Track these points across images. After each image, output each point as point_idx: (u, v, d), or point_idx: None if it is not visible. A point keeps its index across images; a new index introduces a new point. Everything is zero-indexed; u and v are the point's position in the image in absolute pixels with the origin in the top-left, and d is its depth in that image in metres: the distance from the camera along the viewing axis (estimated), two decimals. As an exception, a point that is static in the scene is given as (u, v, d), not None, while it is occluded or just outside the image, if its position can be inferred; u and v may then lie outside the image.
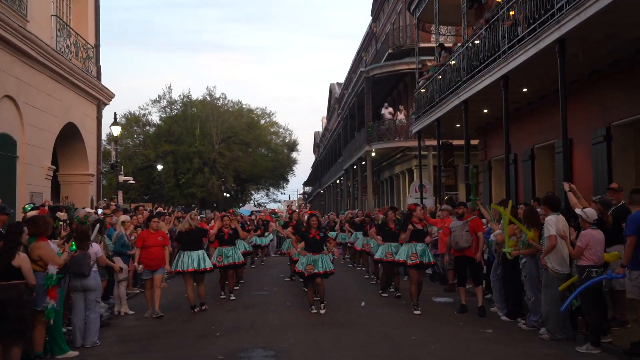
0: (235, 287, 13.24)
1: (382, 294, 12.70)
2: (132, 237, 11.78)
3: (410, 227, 10.89)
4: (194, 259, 11.14)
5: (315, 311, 10.79)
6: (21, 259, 6.81)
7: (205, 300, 11.62)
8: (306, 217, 12.08)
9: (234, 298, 12.55)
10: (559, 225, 8.38)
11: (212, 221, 18.28)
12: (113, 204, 16.55)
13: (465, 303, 10.78)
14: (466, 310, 10.58)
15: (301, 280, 12.77)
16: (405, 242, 10.98)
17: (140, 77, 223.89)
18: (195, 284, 11.41)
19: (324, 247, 11.23)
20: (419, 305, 10.74)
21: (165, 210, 20.86)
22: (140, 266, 10.80)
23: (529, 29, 11.52)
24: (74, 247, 8.27)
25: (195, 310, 11.15)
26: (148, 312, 10.75)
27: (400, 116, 29.69)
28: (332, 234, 16.34)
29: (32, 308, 7.15)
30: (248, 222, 18.94)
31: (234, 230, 12.96)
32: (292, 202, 60.99)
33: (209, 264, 11.48)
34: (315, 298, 11.20)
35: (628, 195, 8.13)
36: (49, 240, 7.78)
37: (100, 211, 13.03)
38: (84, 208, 13.58)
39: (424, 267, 10.99)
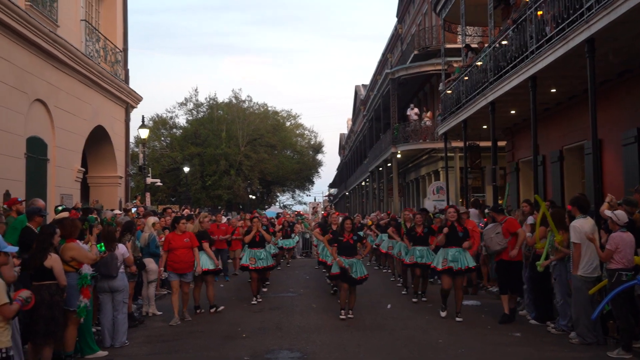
0: (263, 289, 13.18)
1: (413, 299, 12.29)
2: (161, 239, 11.88)
3: (445, 230, 10.43)
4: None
5: (345, 317, 10.41)
6: (53, 260, 6.92)
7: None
8: (340, 219, 11.73)
9: (255, 302, 12.24)
10: (585, 229, 8.24)
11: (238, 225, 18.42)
12: (137, 201, 16.75)
13: (509, 312, 10.03)
14: (510, 320, 9.93)
15: (329, 283, 12.71)
16: (441, 244, 10.54)
17: (166, 80, 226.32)
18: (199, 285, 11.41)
19: (358, 251, 10.93)
20: (446, 306, 10.52)
21: (193, 212, 21.01)
22: (165, 273, 10.67)
23: (558, 29, 11.39)
24: (102, 248, 8.38)
25: (198, 311, 11.20)
26: (174, 320, 10.33)
27: (426, 119, 29.56)
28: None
29: (65, 308, 7.27)
30: (273, 224, 18.83)
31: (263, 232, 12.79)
32: (318, 204, 60.92)
33: (207, 265, 11.14)
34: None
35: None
36: (77, 241, 7.90)
37: (134, 210, 13.24)
38: (112, 210, 13.77)
39: (456, 273, 10.31)
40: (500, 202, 11.90)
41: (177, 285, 10.55)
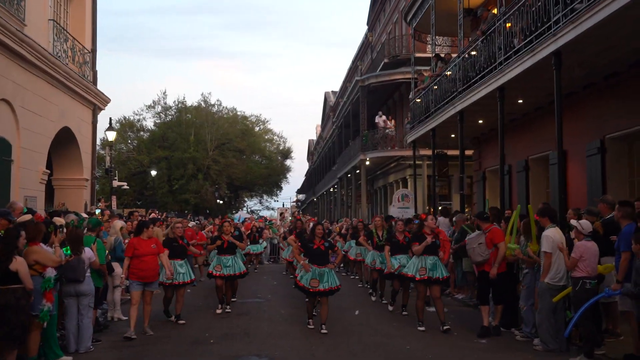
0: (232, 299, 12.67)
1: (419, 328, 10.48)
2: (126, 242, 11.70)
3: (429, 239, 10.05)
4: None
5: (313, 327, 10.11)
6: (18, 263, 6.79)
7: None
8: (310, 225, 11.23)
9: (229, 310, 11.84)
10: (556, 239, 8.40)
11: (205, 229, 18.24)
12: (102, 204, 16.52)
13: (488, 325, 9.59)
14: (489, 334, 9.43)
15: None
16: (417, 254, 10.16)
17: (134, 82, 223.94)
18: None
19: (329, 260, 10.28)
20: (424, 322, 10.11)
21: (160, 216, 20.82)
22: (127, 280, 9.84)
23: (525, 41, 11.62)
24: (68, 251, 8.25)
25: (171, 318, 10.90)
26: (128, 332, 9.38)
27: (390, 125, 29.80)
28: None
29: (29, 312, 7.13)
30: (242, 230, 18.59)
31: (235, 237, 12.16)
32: (286, 210, 60.83)
33: (182, 278, 10.87)
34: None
35: (617, 208, 8.16)
36: (41, 244, 7.76)
37: (98, 211, 12.99)
38: (74, 212, 13.53)
39: (433, 282, 10.02)
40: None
41: (138, 297, 9.69)
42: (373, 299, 13.38)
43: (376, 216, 14.36)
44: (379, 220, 13.65)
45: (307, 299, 10.49)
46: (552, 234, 8.48)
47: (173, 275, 10.52)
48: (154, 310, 10.46)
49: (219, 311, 11.72)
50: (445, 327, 9.75)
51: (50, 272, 7.54)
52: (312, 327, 10.22)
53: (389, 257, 11.62)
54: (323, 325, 9.86)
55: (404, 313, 11.45)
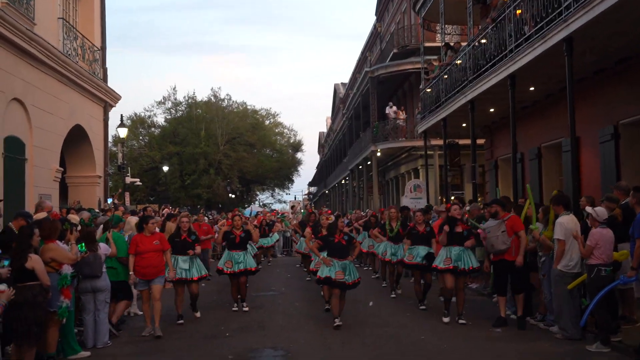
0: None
1: (420, 307, 11.16)
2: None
3: (446, 228, 9.82)
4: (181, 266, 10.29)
5: (340, 323, 9.61)
6: (34, 261, 6.85)
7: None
8: (331, 218, 10.78)
9: (247, 309, 11.31)
10: (570, 226, 8.36)
11: (219, 223, 18.22)
12: (115, 199, 16.61)
13: (505, 316, 9.46)
14: (505, 324, 9.32)
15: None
16: (443, 245, 9.91)
17: (143, 79, 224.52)
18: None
19: (349, 253, 10.05)
20: (449, 312, 9.83)
21: (173, 212, 20.85)
22: (137, 278, 9.42)
23: (536, 28, 11.53)
24: (83, 248, 8.31)
25: (180, 322, 10.21)
26: (146, 330, 9.34)
27: (401, 116, 29.72)
28: None
29: (47, 309, 7.19)
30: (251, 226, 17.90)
31: (246, 232, 11.54)
32: (298, 203, 60.91)
33: (186, 274, 10.30)
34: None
35: (631, 194, 8.11)
36: (57, 242, 7.83)
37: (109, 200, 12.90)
38: (88, 210, 13.62)
39: (459, 273, 9.75)
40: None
41: (146, 295, 9.52)
42: (384, 284, 13.66)
43: (391, 207, 13.87)
44: (394, 211, 13.30)
45: (331, 298, 9.93)
46: (566, 222, 8.44)
47: (176, 273, 10.11)
48: (167, 306, 10.31)
49: (234, 309, 11.38)
50: (460, 321, 9.60)
51: (67, 269, 7.62)
52: (329, 307, 10.37)
53: (406, 247, 11.46)
54: (336, 319, 9.59)
55: (421, 307, 11.10)
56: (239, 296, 11.42)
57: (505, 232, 9.30)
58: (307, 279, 14.46)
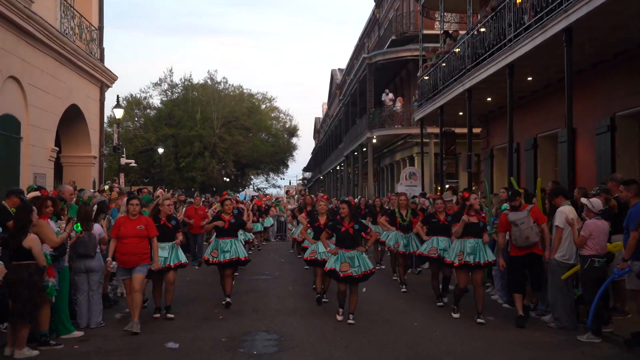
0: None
1: (438, 303, 10.30)
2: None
3: (465, 218, 9.02)
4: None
5: (328, 300, 9.77)
6: (31, 240, 6.84)
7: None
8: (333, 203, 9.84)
9: (229, 301, 10.20)
10: (570, 216, 8.41)
11: (213, 206, 17.99)
12: (116, 185, 16.54)
13: (524, 314, 8.80)
14: (527, 321, 8.73)
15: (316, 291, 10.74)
16: (457, 237, 9.16)
17: (140, 60, 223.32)
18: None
19: (359, 243, 9.20)
20: (482, 313, 8.99)
21: (184, 197, 20.68)
22: (114, 263, 8.52)
23: (536, 18, 11.52)
24: (79, 228, 8.30)
25: (156, 315, 9.34)
26: (129, 325, 8.40)
27: (397, 105, 29.69)
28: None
29: (42, 288, 7.19)
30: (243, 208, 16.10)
31: (236, 217, 10.48)
32: (292, 188, 60.93)
33: (163, 262, 9.15)
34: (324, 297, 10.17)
35: (623, 188, 8.12)
36: (49, 220, 7.79)
37: (106, 187, 12.73)
38: (92, 190, 13.62)
39: (474, 267, 8.98)
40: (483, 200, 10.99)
41: (128, 284, 8.59)
42: (402, 286, 11.91)
43: (401, 194, 12.87)
44: (404, 198, 12.28)
45: (337, 290, 9.22)
46: (567, 211, 8.48)
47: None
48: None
49: (227, 300, 10.20)
50: (479, 320, 8.85)
51: (46, 249, 7.39)
52: (327, 300, 10.30)
53: (423, 234, 10.69)
54: (351, 315, 8.89)
55: (439, 304, 10.26)
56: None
57: (536, 224, 8.73)
58: (306, 267, 13.47)
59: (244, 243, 12.22)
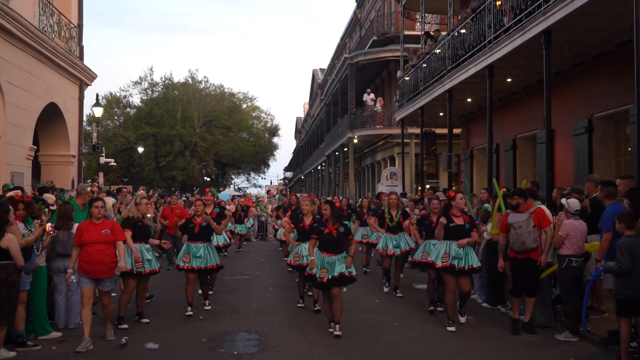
0: (210, 292, 10.55)
1: (430, 307, 9.68)
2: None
3: (443, 220, 8.55)
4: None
5: (303, 305, 9.67)
6: (9, 240, 6.74)
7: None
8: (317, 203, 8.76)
9: (209, 308, 9.82)
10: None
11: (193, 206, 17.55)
12: (96, 184, 16.40)
13: (519, 319, 8.38)
14: (523, 328, 8.30)
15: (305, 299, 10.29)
16: (439, 239, 8.70)
17: (120, 58, 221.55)
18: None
19: (343, 248, 8.32)
20: (454, 321, 8.54)
21: (186, 198, 20.36)
22: (73, 277, 7.63)
23: (515, 19, 11.62)
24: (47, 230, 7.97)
25: (123, 325, 8.61)
26: (83, 344, 7.44)
27: (378, 105, 29.80)
28: None
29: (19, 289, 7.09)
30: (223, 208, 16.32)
31: (208, 221, 9.64)
32: (273, 187, 60.87)
33: (150, 266, 8.85)
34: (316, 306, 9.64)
35: (599, 188, 8.23)
36: (19, 222, 7.66)
37: (88, 189, 12.49)
38: (60, 189, 13.44)
39: (458, 272, 8.52)
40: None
41: (90, 294, 7.74)
42: (386, 289, 11.66)
43: (391, 193, 12.09)
44: (394, 198, 11.50)
45: (297, 279, 9.47)
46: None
47: (141, 261, 8.66)
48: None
49: (188, 312, 9.36)
50: (449, 328, 8.39)
51: None
52: (302, 305, 10.11)
53: (418, 237, 10.26)
54: (337, 326, 8.12)
55: (439, 309, 9.60)
56: (200, 293, 10.04)
57: (535, 228, 8.20)
58: (289, 270, 12.40)
59: (222, 244, 12.08)
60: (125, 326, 8.56)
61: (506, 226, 8.44)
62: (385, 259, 11.44)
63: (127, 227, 8.59)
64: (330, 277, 8.03)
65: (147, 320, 8.96)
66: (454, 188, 16.88)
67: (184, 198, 22.83)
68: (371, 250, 14.39)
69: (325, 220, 8.33)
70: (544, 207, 8.75)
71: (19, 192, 8.34)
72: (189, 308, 9.38)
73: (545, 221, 8.36)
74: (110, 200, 11.08)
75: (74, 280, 7.66)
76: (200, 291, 10.28)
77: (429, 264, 8.98)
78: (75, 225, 8.74)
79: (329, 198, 14.45)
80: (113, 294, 8.62)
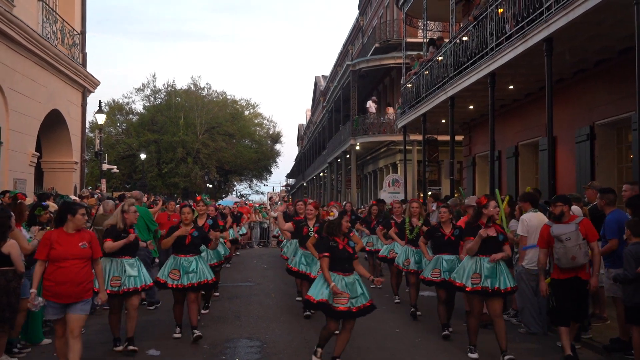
0: (203, 311, 9.69)
1: (444, 332, 8.42)
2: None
3: (488, 232, 7.10)
4: (114, 271, 7.52)
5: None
6: (10, 246, 6.72)
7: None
8: (332, 213, 7.34)
9: (199, 334, 8.15)
10: (533, 223, 8.40)
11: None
12: (98, 191, 16.43)
13: (572, 354, 6.87)
14: None
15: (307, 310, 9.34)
16: (471, 254, 7.25)
17: (123, 65, 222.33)
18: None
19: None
20: (507, 351, 7.08)
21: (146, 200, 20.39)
22: (40, 299, 6.03)
23: (517, 27, 11.65)
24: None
25: (118, 347, 7.72)
26: None
27: (390, 111, 29.82)
28: None
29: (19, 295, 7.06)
30: (224, 216, 15.04)
31: (199, 230, 8.46)
32: (276, 194, 60.85)
33: (133, 283, 7.53)
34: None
35: (599, 196, 8.20)
36: (21, 228, 7.69)
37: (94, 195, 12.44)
38: (62, 196, 13.45)
39: (492, 294, 7.11)
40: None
41: (61, 328, 6.23)
42: (397, 300, 11.03)
43: (413, 200, 10.88)
44: (416, 206, 10.18)
45: (308, 312, 8.71)
46: (528, 218, 8.51)
47: (120, 283, 7.43)
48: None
49: (176, 335, 8.40)
50: (506, 357, 6.99)
51: None
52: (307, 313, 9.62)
53: (427, 252, 9.01)
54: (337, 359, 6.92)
55: (449, 329, 8.52)
56: (191, 316, 8.23)
57: (585, 241, 6.95)
58: (297, 298, 11.10)
59: (224, 255, 11.12)
60: (120, 348, 7.66)
61: (548, 240, 7.09)
62: (399, 275, 10.80)
63: (108, 237, 7.50)
64: (352, 306, 6.69)
65: (136, 348, 7.60)
66: (456, 195, 16.90)
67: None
68: (375, 260, 13.35)
69: (334, 232, 6.94)
70: (532, 214, 8.63)
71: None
72: (178, 329, 8.44)
73: (593, 234, 7.09)
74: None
75: (41, 304, 6.06)
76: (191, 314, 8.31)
77: (456, 286, 7.37)
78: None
79: (336, 205, 13.33)
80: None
